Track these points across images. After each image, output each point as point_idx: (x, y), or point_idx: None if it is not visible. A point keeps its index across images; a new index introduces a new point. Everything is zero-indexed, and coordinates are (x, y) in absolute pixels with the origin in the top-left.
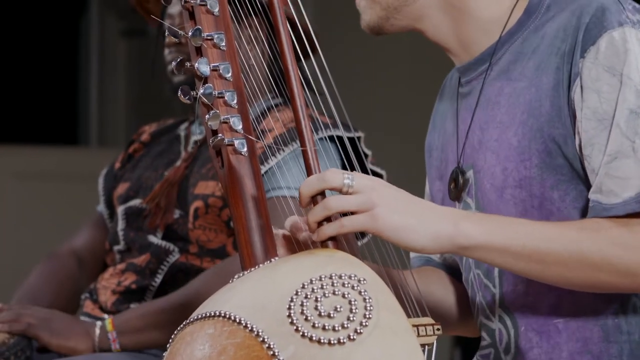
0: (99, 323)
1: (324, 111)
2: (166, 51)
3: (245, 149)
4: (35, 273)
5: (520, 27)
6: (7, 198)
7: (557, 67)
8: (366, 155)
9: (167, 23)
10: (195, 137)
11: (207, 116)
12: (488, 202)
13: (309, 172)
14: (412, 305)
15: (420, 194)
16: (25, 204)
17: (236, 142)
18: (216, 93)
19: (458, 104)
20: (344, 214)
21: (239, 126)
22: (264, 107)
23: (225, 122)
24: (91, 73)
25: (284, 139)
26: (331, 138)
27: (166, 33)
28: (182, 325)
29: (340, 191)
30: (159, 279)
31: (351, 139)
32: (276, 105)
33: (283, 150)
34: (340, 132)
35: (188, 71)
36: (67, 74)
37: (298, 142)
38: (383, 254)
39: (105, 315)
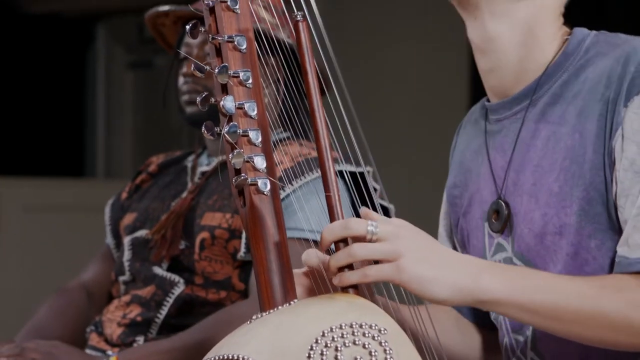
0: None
1: (332, 145)
2: (181, 80)
3: (268, 189)
4: (44, 307)
5: (558, 68)
6: (16, 230)
7: (601, 113)
8: (374, 190)
9: (183, 51)
10: (202, 168)
11: (230, 155)
12: (527, 248)
13: (332, 217)
14: (432, 356)
15: (428, 228)
16: (33, 235)
17: (259, 182)
18: (241, 131)
19: (487, 141)
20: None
21: (262, 165)
22: (272, 141)
23: (249, 161)
24: (98, 105)
25: (295, 172)
26: (340, 173)
27: (188, 65)
28: None
29: (363, 239)
30: (164, 311)
31: (360, 174)
32: (283, 140)
33: (291, 185)
34: (349, 166)
35: (203, 103)
36: (74, 105)
37: (307, 175)
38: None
39: (110, 352)
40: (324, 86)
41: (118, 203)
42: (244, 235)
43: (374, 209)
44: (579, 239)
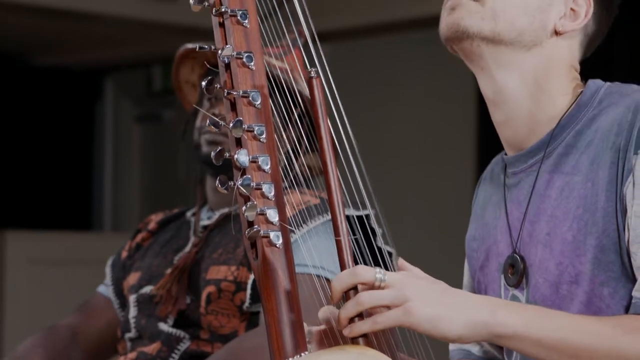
0: None
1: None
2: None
3: (281, 242)
4: (27, 342)
5: (571, 120)
6: (21, 283)
7: (612, 161)
8: (375, 234)
9: (204, 110)
10: (204, 222)
11: (244, 207)
12: (542, 297)
13: (342, 266)
14: None
15: (433, 275)
16: (39, 288)
17: (272, 235)
18: (254, 184)
19: (505, 194)
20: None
21: (275, 218)
22: None
23: (262, 214)
24: (105, 158)
25: (296, 221)
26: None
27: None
28: None
29: (372, 286)
30: None
31: (360, 217)
32: (284, 189)
33: (294, 233)
34: (355, 211)
35: (217, 158)
36: (81, 158)
37: (308, 224)
38: (409, 344)
39: None
40: (335, 140)
41: (119, 262)
42: (249, 286)
43: (379, 252)
44: (592, 287)
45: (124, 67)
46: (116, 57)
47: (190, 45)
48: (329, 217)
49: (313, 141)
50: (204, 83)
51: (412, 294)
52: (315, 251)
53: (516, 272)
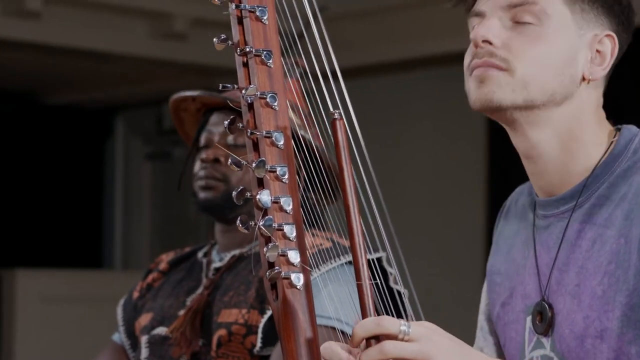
0: None
1: (343, 234)
2: (197, 166)
3: (302, 283)
4: None
5: (605, 170)
6: (33, 320)
7: None
8: (387, 275)
9: (204, 139)
10: (216, 264)
11: (265, 248)
12: (567, 349)
13: (363, 312)
14: None
15: (441, 315)
16: (50, 325)
17: (293, 276)
18: (276, 225)
19: (534, 235)
20: None
21: (296, 260)
22: None
23: (284, 255)
24: (116, 196)
25: (309, 264)
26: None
27: (207, 152)
28: None
29: (395, 338)
30: None
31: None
32: None
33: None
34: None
35: (239, 197)
36: (92, 196)
37: (321, 267)
38: None
39: None
40: (355, 180)
41: (130, 303)
42: (260, 330)
43: (389, 293)
44: (619, 345)
45: (135, 105)
46: (127, 96)
47: (174, 97)
48: (342, 261)
49: (321, 180)
50: (226, 122)
51: (436, 353)
52: (337, 301)
53: (544, 320)
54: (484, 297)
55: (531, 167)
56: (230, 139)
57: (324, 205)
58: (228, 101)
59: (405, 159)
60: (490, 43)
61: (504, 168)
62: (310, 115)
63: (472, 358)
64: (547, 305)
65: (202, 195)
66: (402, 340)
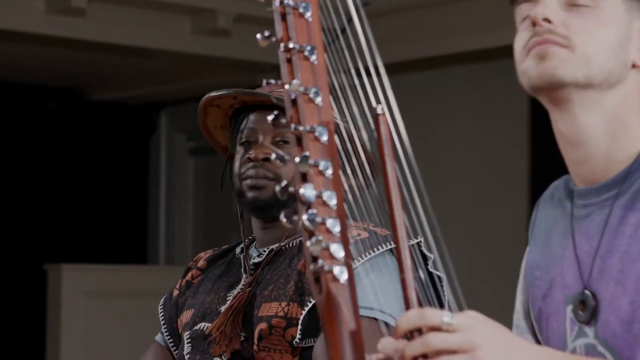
0: None
1: (382, 224)
2: (246, 165)
3: (345, 277)
4: None
5: None
6: (79, 316)
7: None
8: (426, 259)
9: (247, 137)
10: (254, 260)
11: (309, 242)
12: (612, 335)
13: (407, 304)
14: None
15: (483, 309)
16: (95, 320)
17: (336, 270)
18: (319, 219)
19: (573, 225)
20: None
21: (340, 254)
22: None
23: (327, 249)
24: (160, 192)
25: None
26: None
27: (256, 150)
28: None
29: (439, 329)
30: None
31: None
32: None
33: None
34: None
35: (282, 192)
36: (136, 192)
37: (358, 259)
38: None
39: None
40: (398, 172)
41: (171, 301)
42: (300, 322)
43: (430, 277)
44: None
45: (179, 101)
46: (171, 91)
47: (213, 94)
48: (381, 250)
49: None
50: (270, 118)
51: (481, 342)
52: (379, 292)
53: (587, 309)
54: (520, 295)
55: (574, 154)
56: (276, 137)
57: (362, 194)
58: (272, 99)
59: (446, 155)
60: (550, 21)
61: (547, 163)
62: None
63: (517, 344)
64: (590, 294)
65: (250, 194)
66: (445, 331)
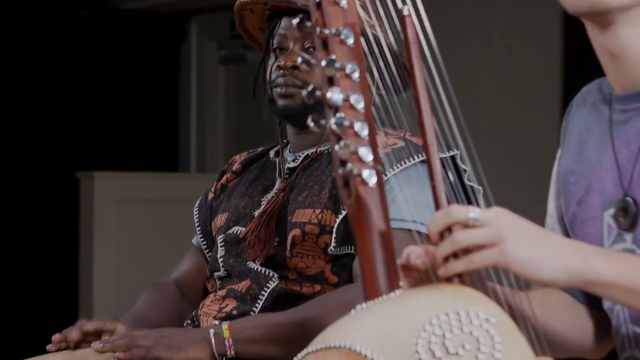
0: (211, 330)
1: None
2: (276, 73)
3: (374, 180)
4: (141, 300)
5: None
6: (111, 222)
7: None
8: (464, 171)
9: (278, 43)
10: (289, 164)
11: (337, 146)
12: None
13: (437, 208)
14: (539, 343)
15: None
16: (127, 227)
17: (365, 173)
18: (347, 123)
19: (612, 130)
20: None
21: (368, 157)
22: None
23: (355, 153)
24: (191, 100)
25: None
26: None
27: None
28: (303, 354)
29: (466, 225)
30: (259, 304)
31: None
32: None
33: (385, 175)
34: (441, 154)
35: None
36: (167, 101)
37: (395, 167)
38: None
39: (216, 321)
40: (426, 80)
41: (206, 204)
42: (335, 229)
43: (464, 190)
44: None
45: (209, 9)
46: (201, 0)
47: (244, 0)
48: (416, 160)
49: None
50: (294, 21)
51: (508, 233)
52: (411, 202)
53: (629, 215)
54: (553, 200)
55: (614, 66)
56: (306, 43)
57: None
58: (298, 3)
59: (475, 57)
60: None
61: (581, 66)
62: (378, 13)
63: (543, 235)
64: (631, 200)
65: (281, 102)
66: (472, 226)
